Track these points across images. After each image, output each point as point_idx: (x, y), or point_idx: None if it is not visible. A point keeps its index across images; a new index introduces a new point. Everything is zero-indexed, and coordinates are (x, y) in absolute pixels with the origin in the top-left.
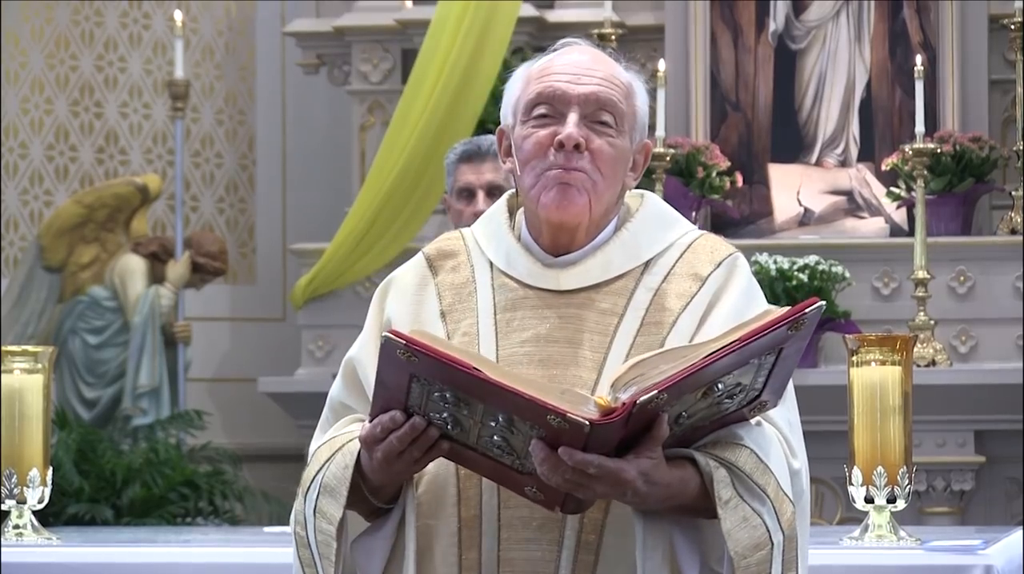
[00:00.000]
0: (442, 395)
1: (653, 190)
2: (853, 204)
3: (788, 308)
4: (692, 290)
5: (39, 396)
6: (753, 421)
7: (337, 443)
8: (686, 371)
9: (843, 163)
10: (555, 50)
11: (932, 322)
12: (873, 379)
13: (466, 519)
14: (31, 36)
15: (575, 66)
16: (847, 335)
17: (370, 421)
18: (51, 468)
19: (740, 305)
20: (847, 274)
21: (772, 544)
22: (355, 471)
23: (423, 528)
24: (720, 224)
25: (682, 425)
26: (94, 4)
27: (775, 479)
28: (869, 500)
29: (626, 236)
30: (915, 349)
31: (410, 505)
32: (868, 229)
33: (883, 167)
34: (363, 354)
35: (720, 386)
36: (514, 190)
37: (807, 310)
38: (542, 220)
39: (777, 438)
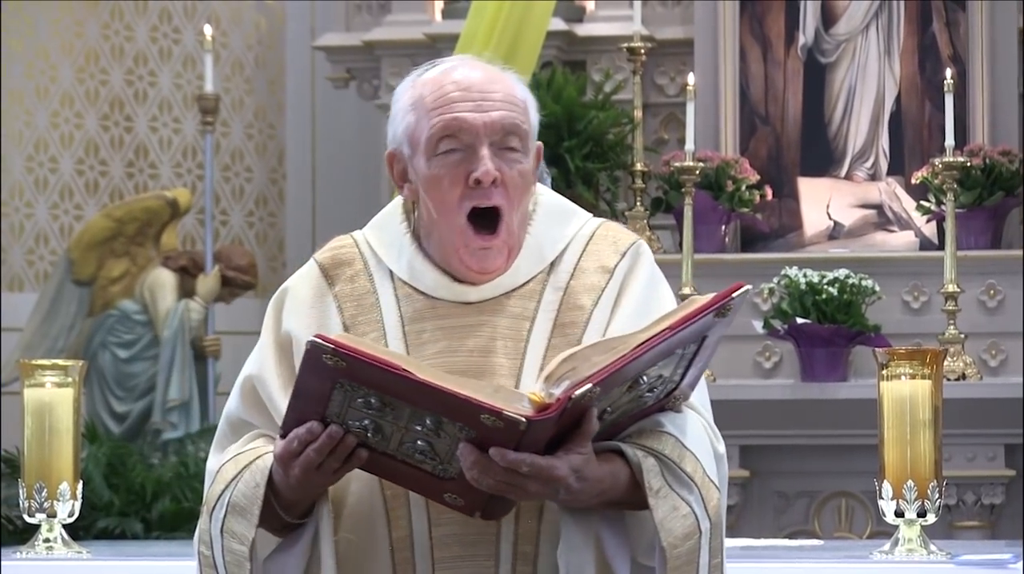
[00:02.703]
0: (366, 401)
1: (683, 204)
2: (883, 218)
3: (712, 295)
4: (601, 284)
5: (69, 410)
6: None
7: (243, 461)
8: (618, 363)
9: (873, 177)
10: (438, 67)
11: (962, 336)
12: (903, 393)
13: (397, 540)
14: (61, 51)
15: (473, 89)
16: (877, 349)
17: (282, 436)
18: (81, 482)
19: (647, 294)
20: (877, 288)
21: (700, 532)
22: (267, 489)
23: (351, 550)
24: (750, 238)
25: (605, 421)
26: (124, 19)
27: (701, 466)
28: (899, 514)
29: (530, 241)
30: (945, 363)
31: (325, 520)
32: (898, 243)
33: (913, 181)
34: (263, 371)
35: (645, 379)
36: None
37: (734, 295)
38: (457, 260)
39: (700, 423)
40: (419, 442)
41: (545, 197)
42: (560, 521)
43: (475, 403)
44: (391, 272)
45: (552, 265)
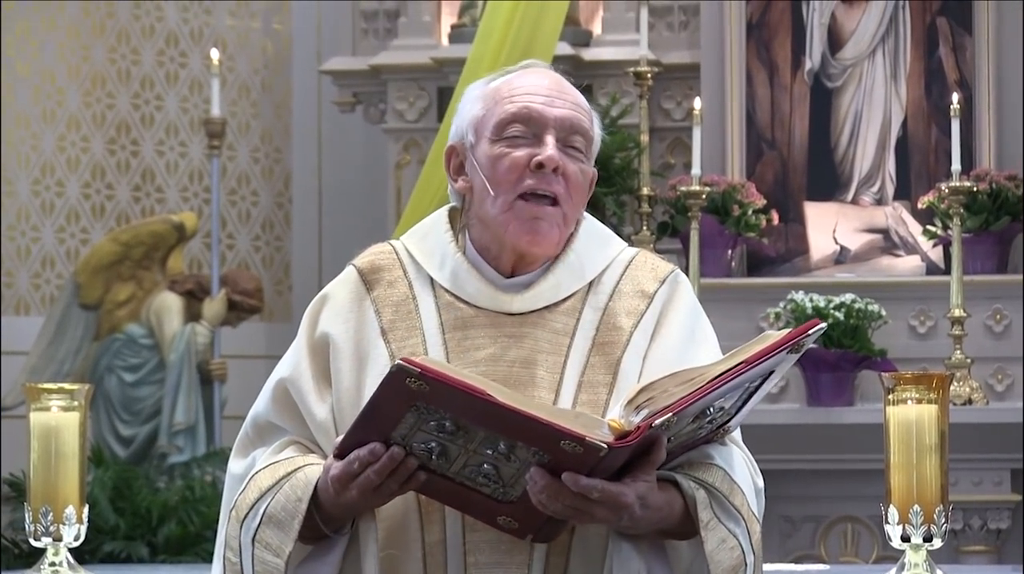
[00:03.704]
0: (440, 424)
1: (689, 229)
2: (889, 242)
3: (788, 331)
4: (641, 308)
5: (75, 434)
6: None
7: (280, 471)
8: (696, 394)
9: (879, 201)
10: (512, 71)
11: (968, 360)
12: (909, 417)
13: (430, 544)
14: (68, 74)
15: (546, 88)
16: (883, 373)
17: (338, 456)
18: (87, 506)
19: (690, 323)
20: (883, 312)
21: (746, 565)
22: (309, 503)
23: (385, 558)
24: (756, 262)
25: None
26: (131, 43)
27: (747, 500)
28: (905, 539)
29: (572, 257)
30: (951, 387)
31: (371, 536)
32: (904, 267)
33: (919, 205)
34: (296, 373)
35: (711, 410)
36: (454, 205)
37: (810, 332)
38: (506, 246)
39: (742, 457)
40: (485, 466)
41: (587, 218)
42: (613, 546)
43: (558, 429)
44: (432, 280)
45: (591, 285)
